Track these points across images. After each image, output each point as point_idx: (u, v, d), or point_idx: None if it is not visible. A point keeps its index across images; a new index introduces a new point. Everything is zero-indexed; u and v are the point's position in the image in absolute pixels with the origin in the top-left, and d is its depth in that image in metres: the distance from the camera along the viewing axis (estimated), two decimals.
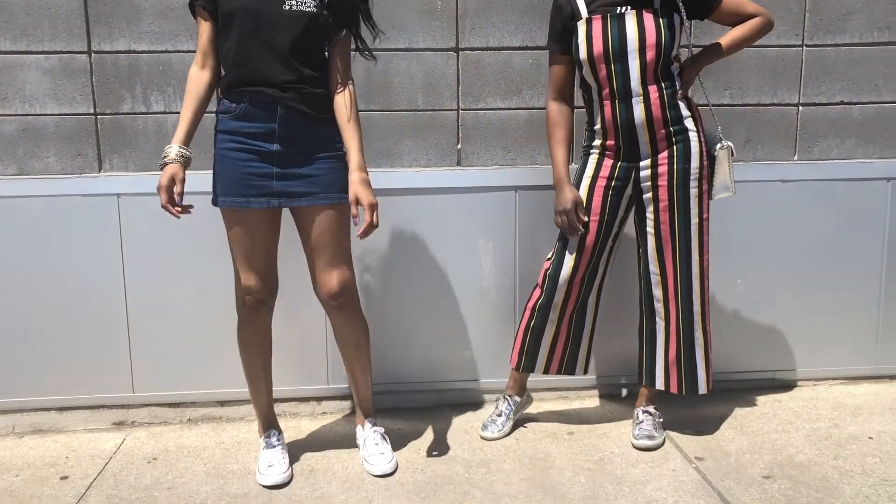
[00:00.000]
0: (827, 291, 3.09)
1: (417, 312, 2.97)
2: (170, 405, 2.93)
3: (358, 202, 2.21)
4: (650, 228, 2.52)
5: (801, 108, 3.01)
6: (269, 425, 2.54)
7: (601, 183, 2.51)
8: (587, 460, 2.49)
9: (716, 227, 2.96)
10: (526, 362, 2.69)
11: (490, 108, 2.91)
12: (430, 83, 2.89)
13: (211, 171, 2.34)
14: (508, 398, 2.76)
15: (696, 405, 2.91)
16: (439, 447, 2.62)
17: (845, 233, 3.06)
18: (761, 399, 2.99)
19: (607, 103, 2.43)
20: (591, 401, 2.98)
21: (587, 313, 2.67)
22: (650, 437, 2.55)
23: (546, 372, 2.72)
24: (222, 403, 2.95)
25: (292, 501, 2.27)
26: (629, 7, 2.39)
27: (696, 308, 2.52)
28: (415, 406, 2.99)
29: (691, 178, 2.45)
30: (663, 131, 2.43)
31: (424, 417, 2.88)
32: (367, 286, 2.93)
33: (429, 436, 2.71)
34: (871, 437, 2.61)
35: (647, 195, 2.50)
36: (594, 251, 2.56)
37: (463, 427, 2.78)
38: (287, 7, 2.21)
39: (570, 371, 2.72)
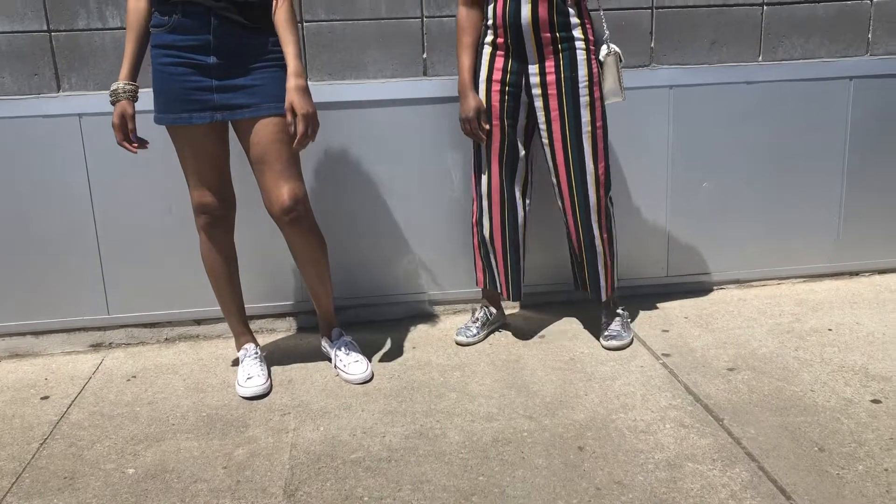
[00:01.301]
0: (790, 191, 3.15)
1: (393, 227, 2.98)
2: (146, 325, 2.95)
3: (294, 111, 2.15)
4: (545, 139, 2.52)
5: (765, 7, 3.00)
6: (245, 340, 2.57)
7: (496, 86, 2.50)
8: (558, 360, 2.56)
9: (681, 130, 2.99)
10: (488, 280, 2.72)
11: (455, 15, 2.85)
12: None
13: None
14: (486, 308, 2.82)
15: (662, 306, 2.99)
16: (415, 354, 2.67)
17: (808, 133, 3.11)
18: (727, 298, 3.08)
19: (502, 1, 2.40)
20: (563, 307, 3.04)
21: (519, 229, 2.66)
22: (618, 337, 2.62)
23: (501, 296, 2.79)
24: (199, 322, 2.98)
25: (272, 411, 2.32)
26: None
27: (594, 217, 2.53)
28: (389, 318, 3.04)
29: (580, 86, 2.43)
30: (548, 35, 2.40)
31: (399, 328, 2.93)
32: (335, 202, 2.93)
33: (404, 344, 2.77)
34: (830, 329, 2.71)
35: (538, 104, 2.48)
36: (502, 159, 2.56)
37: (437, 335, 2.84)
38: None
39: (517, 292, 2.73)
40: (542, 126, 2.49)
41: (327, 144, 2.83)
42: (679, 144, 3.02)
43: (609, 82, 2.45)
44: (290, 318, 3.02)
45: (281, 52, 2.26)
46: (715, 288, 3.18)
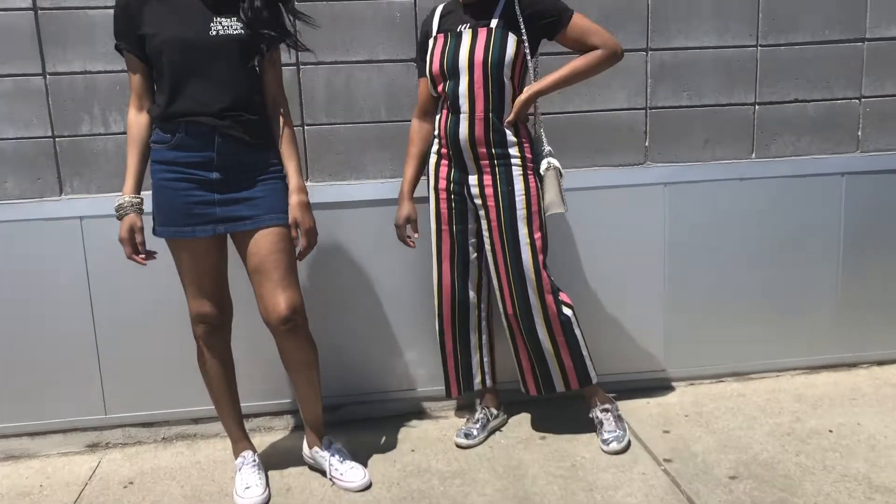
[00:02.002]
0: (787, 284, 3.17)
1: (390, 322, 2.99)
2: (143, 425, 2.93)
3: (297, 226, 2.25)
4: (487, 244, 2.56)
5: (757, 107, 3.06)
6: (243, 446, 2.55)
7: (443, 194, 2.58)
8: (559, 467, 2.54)
9: (676, 226, 3.02)
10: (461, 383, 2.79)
11: None
12: (393, 94, 2.89)
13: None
14: (486, 409, 2.81)
15: (661, 402, 2.98)
16: (414, 458, 2.65)
17: (803, 227, 3.14)
18: (726, 392, 3.07)
19: (444, 113, 2.49)
20: (562, 402, 3.03)
21: (470, 327, 2.71)
22: (617, 440, 2.61)
23: (449, 396, 2.81)
24: (196, 420, 2.95)
25: None
26: (467, 26, 2.41)
27: (538, 321, 2.54)
28: (386, 416, 3.01)
29: (517, 199, 2.47)
30: (485, 151, 2.45)
31: (396, 426, 2.91)
32: (331, 299, 2.93)
33: (402, 446, 2.75)
34: (831, 431, 2.70)
35: (481, 212, 2.54)
36: (454, 260, 2.62)
37: (437, 435, 2.82)
38: (214, 33, 2.19)
39: (468, 387, 2.75)
40: (485, 233, 2.55)
41: (326, 243, 2.85)
42: (674, 240, 3.05)
43: (550, 194, 2.48)
44: (288, 416, 3.00)
45: (280, 164, 2.31)
46: (714, 381, 3.17)
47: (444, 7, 2.54)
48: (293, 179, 2.29)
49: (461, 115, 2.45)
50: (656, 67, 2.97)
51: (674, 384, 3.15)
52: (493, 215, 2.48)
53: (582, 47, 2.41)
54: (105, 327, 2.84)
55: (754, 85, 3.04)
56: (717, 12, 2.95)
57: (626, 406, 2.96)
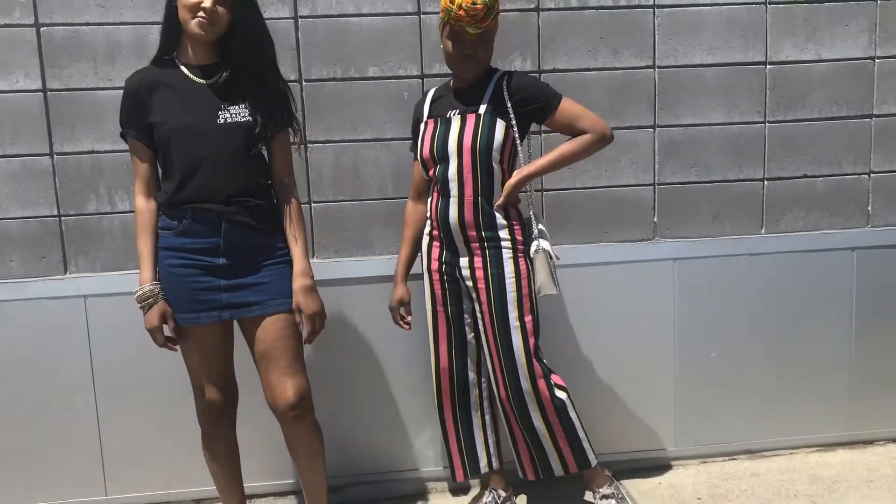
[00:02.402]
0: (799, 359, 3.11)
1: (396, 402, 2.94)
2: None
3: (301, 311, 2.21)
4: (480, 325, 2.52)
5: (766, 182, 3.04)
6: None
7: (435, 275, 2.55)
8: None
9: (687, 302, 2.97)
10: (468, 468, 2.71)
11: None
12: (400, 171, 2.87)
13: None
14: (494, 491, 2.75)
15: (674, 482, 2.91)
16: None
17: (815, 301, 3.09)
18: (739, 471, 3.00)
19: (434, 196, 2.48)
20: (570, 483, 2.95)
21: (471, 407, 2.64)
22: None
23: (455, 480, 2.73)
24: (199, 501, 2.89)
25: None
26: (456, 112, 2.41)
27: (532, 407, 2.46)
28: (393, 497, 2.95)
29: (507, 282, 2.43)
30: (474, 234, 2.43)
31: None
32: (338, 376, 2.89)
33: None
34: None
35: (473, 294, 2.50)
36: (451, 341, 2.58)
37: None
38: (222, 121, 2.18)
39: (475, 470, 2.68)
40: (478, 314, 2.51)
41: (332, 320, 2.78)
42: (685, 315, 3.00)
43: (542, 276, 2.44)
44: (292, 497, 2.94)
45: (287, 248, 2.29)
46: (726, 459, 3.10)
47: (435, 91, 2.54)
48: (298, 262, 2.25)
49: (451, 199, 2.44)
50: (664, 144, 2.94)
51: (685, 462, 3.09)
52: (483, 297, 2.45)
53: (571, 131, 2.40)
54: (107, 406, 2.80)
55: (763, 161, 3.02)
56: (725, 90, 2.93)
57: (636, 486, 2.89)
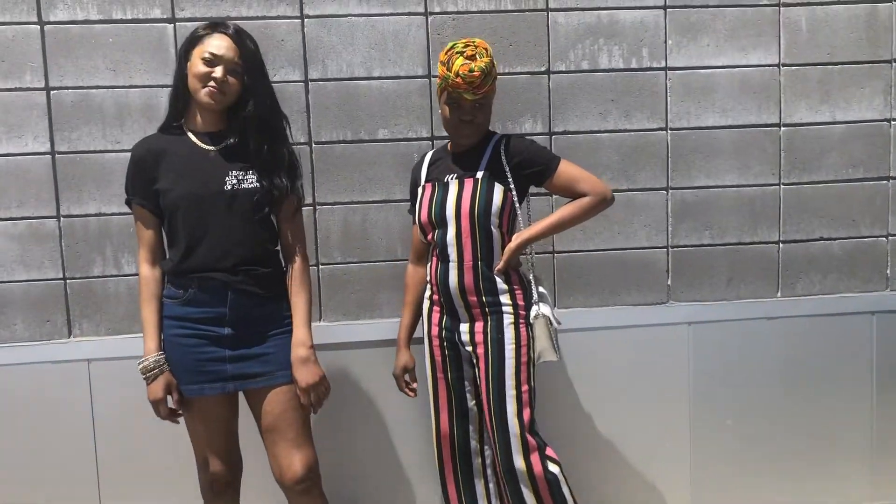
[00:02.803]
0: (818, 426, 3.02)
1: (404, 465, 2.87)
2: None
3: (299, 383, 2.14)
4: (479, 395, 2.44)
5: (781, 245, 2.98)
6: None
7: (436, 341, 2.47)
8: None
9: (702, 367, 2.91)
10: None
11: None
12: (409, 234, 2.81)
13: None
14: None
15: None
16: None
17: (833, 366, 3.00)
18: None
19: (434, 261, 2.42)
20: None
21: (474, 475, 2.54)
22: None
23: None
24: None
25: None
26: (454, 176, 2.37)
27: (524, 483, 2.35)
28: None
29: (506, 348, 2.35)
30: (475, 299, 2.37)
31: None
32: (344, 442, 2.82)
33: None
34: None
35: (473, 360, 2.42)
36: (451, 408, 2.49)
37: None
38: (229, 186, 2.14)
39: None
40: (478, 382, 2.42)
41: (339, 384, 2.74)
42: (700, 381, 2.93)
43: (542, 342, 2.36)
44: None
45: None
46: None
47: (433, 154, 2.51)
48: (296, 331, 2.19)
49: (450, 264, 2.39)
50: (677, 206, 2.89)
51: None
52: (482, 364, 2.37)
53: (571, 194, 2.36)
54: (108, 474, 2.74)
55: (778, 223, 2.96)
56: (739, 152, 2.88)
57: None
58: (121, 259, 2.74)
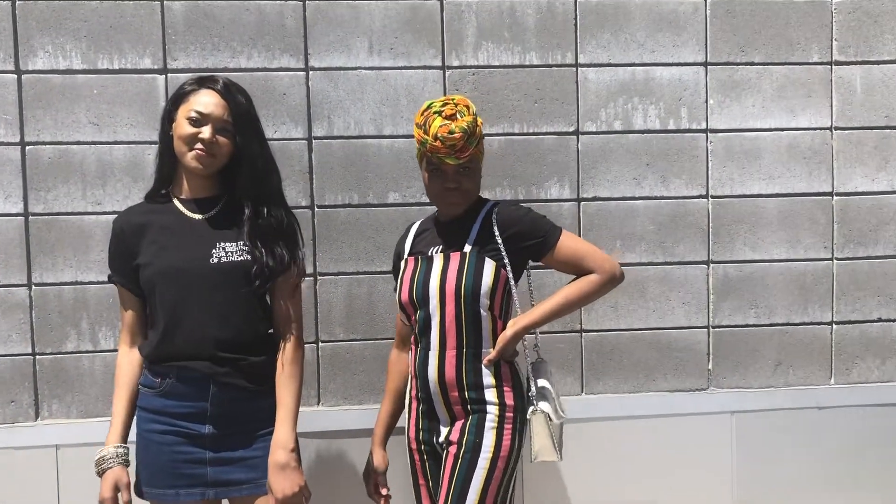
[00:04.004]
0: None
1: None
2: None
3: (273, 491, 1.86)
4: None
5: (835, 326, 2.71)
6: None
7: (414, 444, 2.12)
8: None
9: (746, 461, 2.66)
10: None
11: None
12: None
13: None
14: None
15: None
16: None
17: (891, 461, 2.72)
18: None
19: (414, 348, 2.10)
20: None
21: None
22: None
23: None
24: None
25: None
26: (439, 249, 2.07)
27: None
28: None
29: (480, 457, 1.99)
30: (456, 394, 2.03)
31: None
32: None
33: None
34: None
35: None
36: None
37: None
38: (216, 260, 1.89)
39: None
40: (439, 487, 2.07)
41: (332, 474, 2.48)
42: (744, 477, 2.66)
43: (540, 439, 2.01)
44: None
45: None
46: None
47: (420, 225, 2.18)
48: (279, 430, 1.90)
49: (430, 353, 2.06)
50: (719, 281, 2.66)
51: None
52: (447, 467, 2.01)
53: (574, 270, 2.03)
54: None
55: (831, 302, 2.71)
56: (787, 223, 2.67)
57: None
58: (98, 333, 2.48)
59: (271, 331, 2.02)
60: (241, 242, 1.93)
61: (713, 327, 2.68)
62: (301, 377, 1.98)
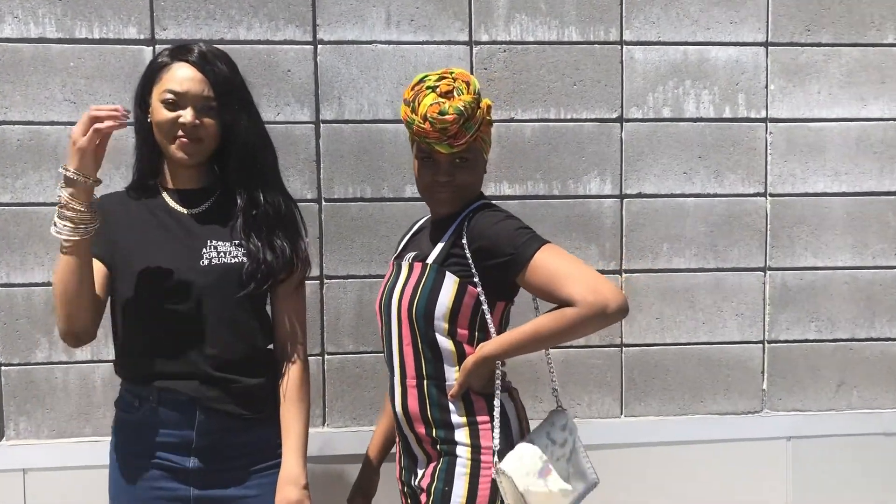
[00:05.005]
0: None
1: None
2: None
3: None
4: None
5: None
6: None
7: (399, 485, 1.86)
8: None
9: (804, 493, 2.49)
10: None
11: None
12: None
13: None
14: None
15: None
16: None
17: None
18: None
19: (389, 370, 1.81)
20: None
21: None
22: None
23: None
24: None
25: None
26: (413, 256, 1.77)
27: None
28: None
29: None
30: (423, 431, 1.73)
31: None
32: None
33: None
34: None
35: None
36: None
37: None
38: (206, 262, 1.64)
39: None
40: None
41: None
42: None
43: (511, 499, 1.65)
44: None
45: None
46: None
47: (422, 222, 1.90)
48: (287, 462, 1.67)
49: (395, 380, 1.77)
50: (777, 291, 2.48)
51: None
52: None
53: (552, 299, 1.64)
54: None
55: None
56: (855, 225, 2.47)
57: None
58: None
59: (271, 346, 1.77)
60: (237, 241, 1.69)
61: (769, 342, 2.51)
62: (309, 400, 1.75)
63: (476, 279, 1.66)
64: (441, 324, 1.67)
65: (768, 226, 2.46)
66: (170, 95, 1.59)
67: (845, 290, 2.48)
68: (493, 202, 1.75)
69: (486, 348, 1.66)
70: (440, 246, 1.71)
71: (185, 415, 1.64)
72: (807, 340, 2.49)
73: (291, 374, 1.73)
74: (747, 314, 2.46)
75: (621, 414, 2.44)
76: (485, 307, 1.68)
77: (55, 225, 1.51)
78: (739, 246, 2.45)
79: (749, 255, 2.45)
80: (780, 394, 2.50)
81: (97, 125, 1.47)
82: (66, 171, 1.47)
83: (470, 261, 1.66)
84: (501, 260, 1.63)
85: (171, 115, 1.59)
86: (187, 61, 1.61)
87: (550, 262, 1.60)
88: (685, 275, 2.42)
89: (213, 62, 1.63)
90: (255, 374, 1.69)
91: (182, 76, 1.60)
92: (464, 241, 1.67)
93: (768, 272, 2.47)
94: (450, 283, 1.66)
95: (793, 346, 2.49)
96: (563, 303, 1.60)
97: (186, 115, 1.59)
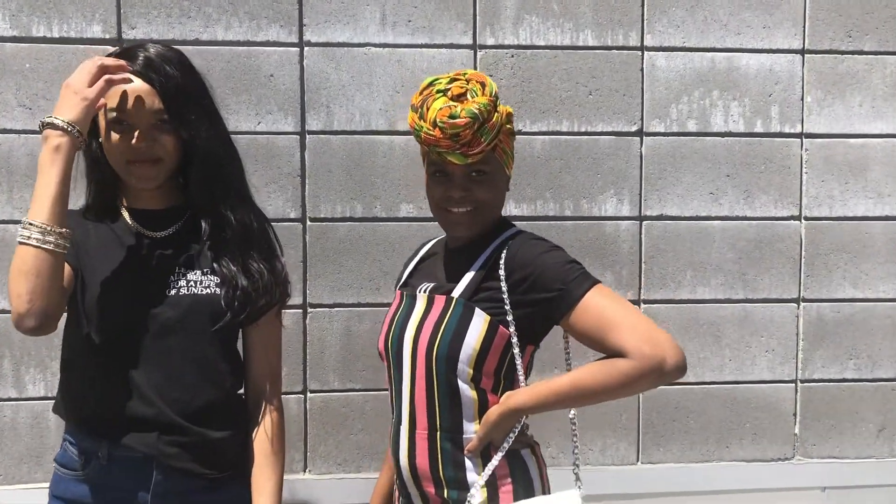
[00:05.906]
0: None
1: None
2: None
3: None
4: None
5: None
6: None
7: None
8: None
9: None
10: None
11: None
12: None
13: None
14: None
15: None
16: None
17: None
18: None
19: (395, 416, 1.66)
20: None
21: None
22: None
23: None
24: None
25: None
26: (429, 287, 1.61)
27: None
28: None
29: None
30: (432, 490, 1.57)
31: None
32: None
33: None
34: None
35: None
36: None
37: None
38: (174, 292, 1.49)
39: None
40: None
41: None
42: None
43: None
44: None
45: None
46: None
47: (433, 245, 1.74)
48: None
49: (402, 428, 1.57)
50: (812, 325, 2.38)
51: None
52: None
53: (599, 347, 1.49)
54: None
55: None
56: None
57: None
58: (24, 375, 2.10)
59: (241, 391, 1.59)
60: (206, 269, 1.52)
61: (802, 382, 2.42)
62: (284, 452, 1.60)
63: (509, 317, 1.46)
64: (465, 368, 1.46)
65: (803, 252, 2.38)
66: (112, 114, 1.41)
67: (888, 325, 2.39)
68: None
69: (516, 399, 1.46)
70: (469, 277, 1.51)
71: (138, 473, 1.46)
72: (844, 380, 2.41)
73: (266, 424, 1.55)
74: (779, 350, 2.37)
75: (638, 461, 2.34)
76: (515, 350, 1.47)
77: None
78: (771, 274, 2.36)
79: (781, 284, 2.37)
80: (815, 439, 2.41)
81: (109, 75, 1.36)
82: (57, 119, 1.33)
83: (505, 296, 1.46)
84: (546, 296, 1.44)
85: (121, 137, 1.41)
86: (131, 71, 1.42)
87: (602, 305, 1.43)
88: (710, 306, 2.32)
89: (161, 68, 1.44)
90: (222, 425, 1.50)
91: (126, 90, 1.41)
92: (501, 272, 1.47)
93: (802, 304, 2.38)
94: (479, 321, 1.46)
95: (829, 387, 2.41)
96: (611, 353, 1.40)
97: (136, 136, 1.40)
